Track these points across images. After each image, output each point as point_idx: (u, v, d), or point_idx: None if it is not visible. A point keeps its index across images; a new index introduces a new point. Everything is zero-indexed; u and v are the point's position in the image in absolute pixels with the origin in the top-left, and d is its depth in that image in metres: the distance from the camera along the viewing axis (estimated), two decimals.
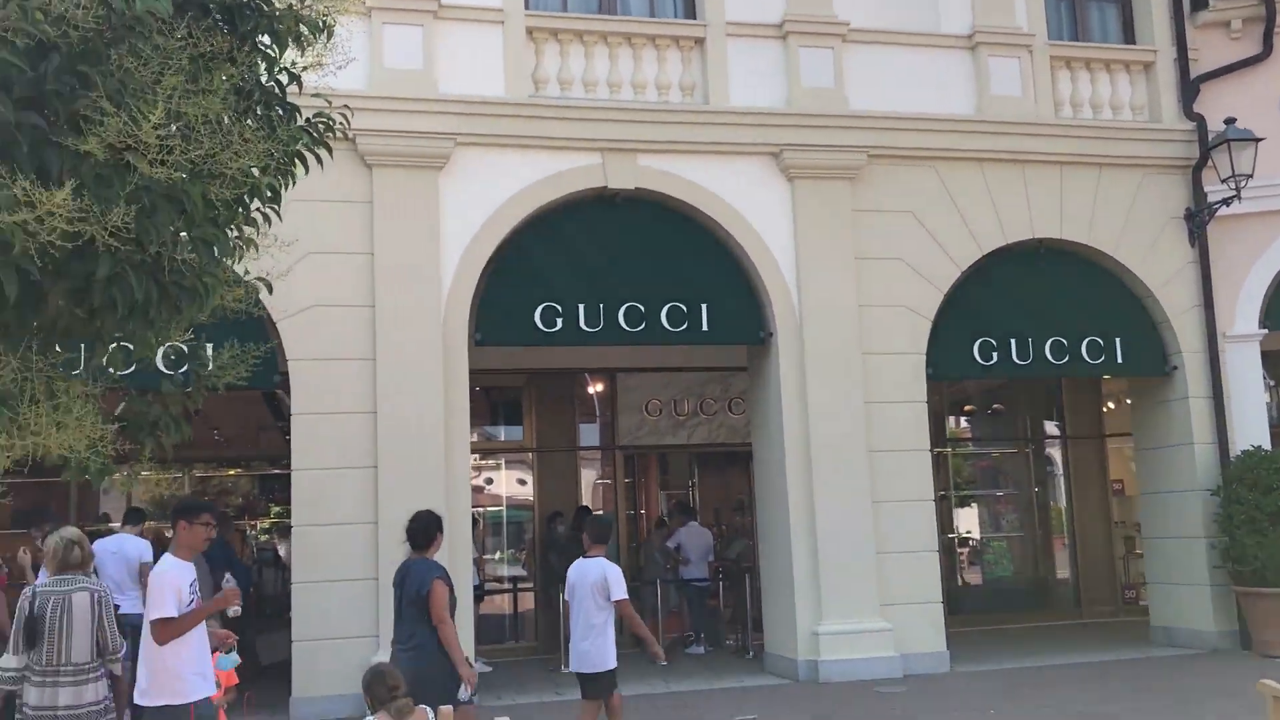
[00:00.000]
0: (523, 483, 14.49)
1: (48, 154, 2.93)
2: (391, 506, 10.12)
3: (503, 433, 14.53)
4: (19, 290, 2.90)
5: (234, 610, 6.15)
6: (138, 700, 5.76)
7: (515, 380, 13.99)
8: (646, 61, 11.32)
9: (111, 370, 3.89)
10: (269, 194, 3.81)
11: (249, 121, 3.51)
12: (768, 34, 11.57)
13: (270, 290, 4.13)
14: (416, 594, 6.44)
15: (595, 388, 14.58)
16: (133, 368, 4.12)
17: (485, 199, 10.69)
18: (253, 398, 13.38)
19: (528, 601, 14.01)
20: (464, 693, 6.38)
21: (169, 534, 9.47)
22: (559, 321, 10.83)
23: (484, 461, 14.24)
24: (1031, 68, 12.22)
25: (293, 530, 10.19)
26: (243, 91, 3.69)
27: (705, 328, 11.11)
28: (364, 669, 9.71)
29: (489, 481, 14.26)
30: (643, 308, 10.96)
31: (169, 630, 5.53)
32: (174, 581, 5.61)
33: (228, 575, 6.50)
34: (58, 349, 3.23)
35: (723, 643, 13.41)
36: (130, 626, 8.60)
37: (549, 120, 10.88)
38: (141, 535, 9.90)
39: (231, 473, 15.50)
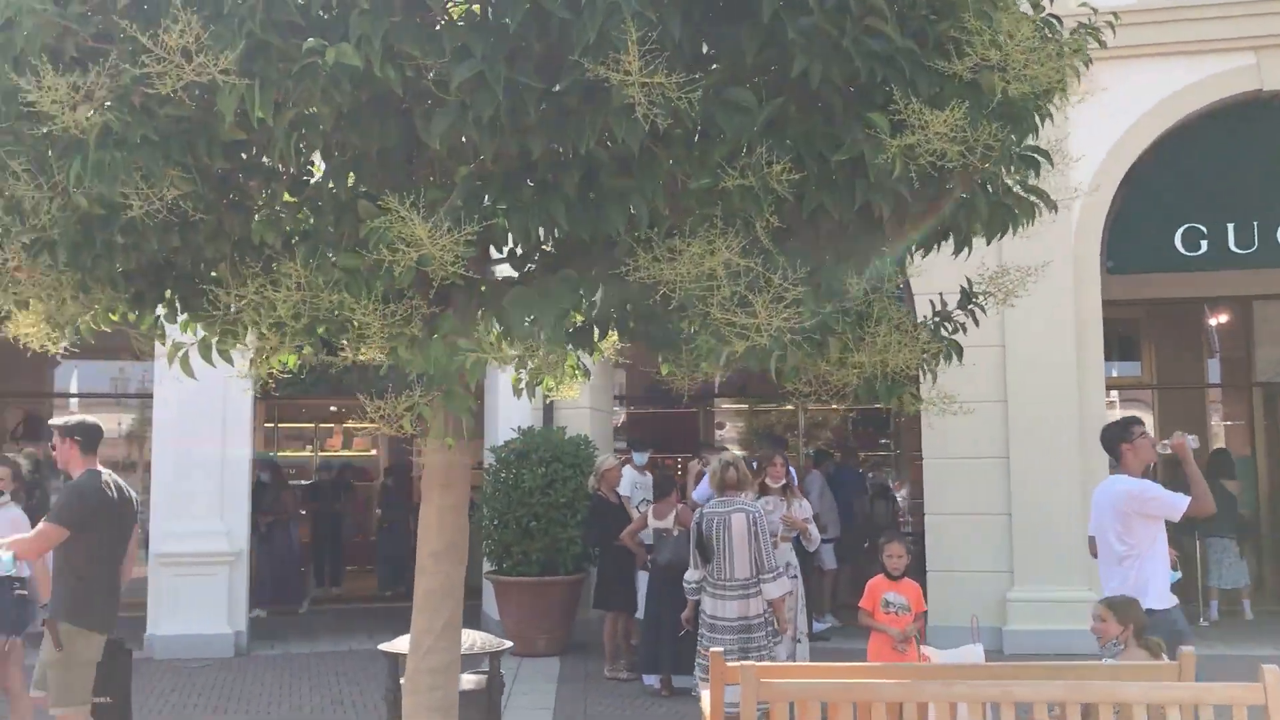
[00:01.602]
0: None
1: (918, 77, 3.05)
2: (1022, 442, 9.95)
3: (1115, 369, 13.64)
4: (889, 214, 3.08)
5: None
6: None
7: (1131, 312, 13.04)
8: None
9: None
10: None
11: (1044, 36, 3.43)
12: None
13: (1055, 210, 4.06)
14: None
15: (1222, 318, 13.18)
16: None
17: (1117, 115, 9.94)
18: None
19: None
20: None
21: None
22: (1203, 244, 9.91)
23: None
24: None
25: (924, 464, 10.31)
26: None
27: None
28: (995, 603, 9.84)
29: None
30: None
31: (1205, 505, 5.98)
32: (1159, 489, 6.06)
33: None
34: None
35: None
36: None
37: (1192, 22, 9.87)
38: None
39: (835, 407, 16.13)
